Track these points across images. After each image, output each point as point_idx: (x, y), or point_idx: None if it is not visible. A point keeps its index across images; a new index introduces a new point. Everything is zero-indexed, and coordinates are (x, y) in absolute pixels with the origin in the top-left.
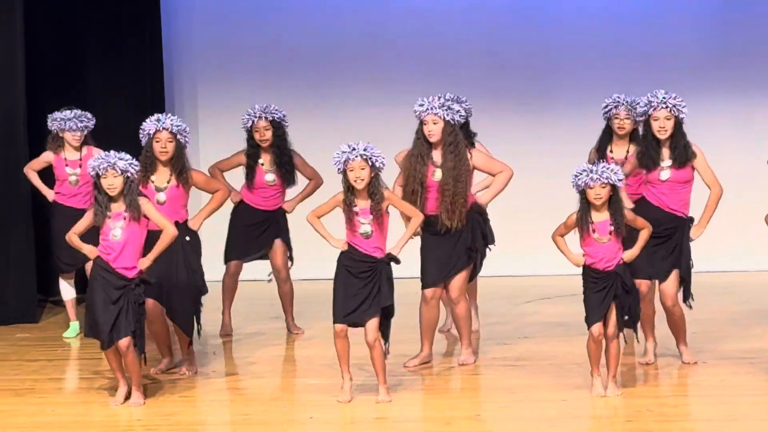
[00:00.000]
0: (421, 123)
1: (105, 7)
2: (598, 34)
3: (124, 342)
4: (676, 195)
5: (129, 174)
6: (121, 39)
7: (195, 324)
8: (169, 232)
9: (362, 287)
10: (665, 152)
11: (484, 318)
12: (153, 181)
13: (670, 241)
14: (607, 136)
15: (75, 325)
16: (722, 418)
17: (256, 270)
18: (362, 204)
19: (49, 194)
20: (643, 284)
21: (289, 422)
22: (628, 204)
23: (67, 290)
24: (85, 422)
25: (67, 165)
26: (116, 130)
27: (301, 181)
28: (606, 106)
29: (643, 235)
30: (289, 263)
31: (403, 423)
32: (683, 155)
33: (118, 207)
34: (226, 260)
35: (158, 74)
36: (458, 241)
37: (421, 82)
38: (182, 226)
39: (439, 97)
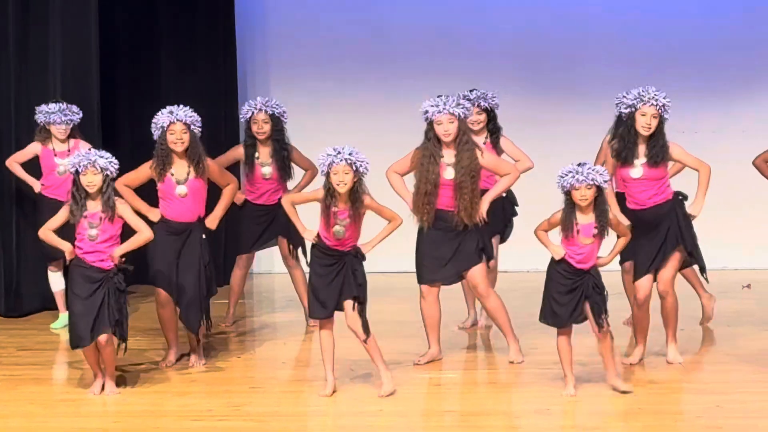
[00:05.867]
0: (432, 123)
1: None
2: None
3: (104, 338)
4: (651, 190)
5: (108, 172)
6: (195, 26)
7: (204, 320)
8: (144, 235)
9: (334, 278)
10: (641, 149)
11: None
12: (173, 174)
13: (661, 228)
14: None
15: (64, 317)
16: None
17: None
18: (342, 206)
19: (36, 185)
20: (640, 290)
21: (359, 414)
22: (614, 207)
23: (55, 282)
24: (156, 411)
25: (56, 155)
26: None
27: (298, 175)
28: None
29: (620, 243)
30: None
31: (474, 416)
32: (659, 155)
33: (95, 206)
34: (237, 252)
35: (231, 66)
36: (464, 241)
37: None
38: (201, 223)
39: (448, 96)
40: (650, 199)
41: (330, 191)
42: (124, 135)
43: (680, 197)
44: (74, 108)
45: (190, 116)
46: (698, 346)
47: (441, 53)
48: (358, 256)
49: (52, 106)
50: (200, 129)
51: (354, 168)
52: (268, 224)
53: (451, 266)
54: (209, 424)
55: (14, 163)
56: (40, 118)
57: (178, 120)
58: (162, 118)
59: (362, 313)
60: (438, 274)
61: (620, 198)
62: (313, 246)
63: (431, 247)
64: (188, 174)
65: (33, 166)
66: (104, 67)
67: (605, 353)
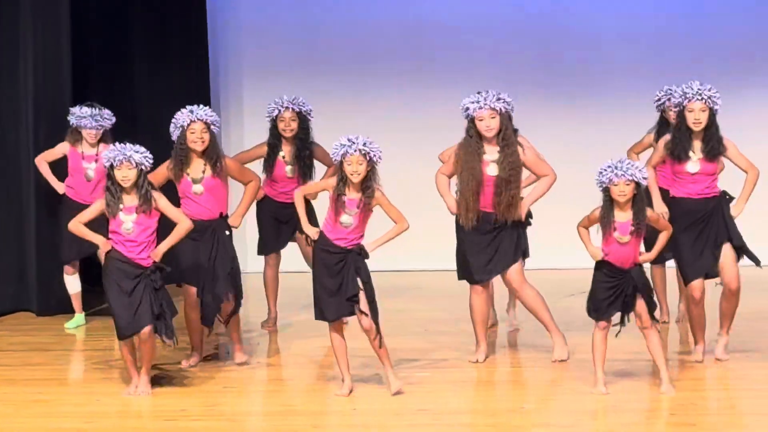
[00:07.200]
0: (473, 120)
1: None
2: (644, 25)
3: (147, 331)
4: (703, 184)
5: (143, 167)
6: (168, 30)
7: (215, 317)
8: (185, 225)
9: (339, 281)
10: (696, 144)
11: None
12: (188, 174)
13: (711, 224)
14: (665, 127)
15: (79, 317)
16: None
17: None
18: (352, 195)
19: (59, 187)
20: (696, 289)
21: (333, 413)
22: (659, 203)
23: (71, 284)
24: (129, 412)
25: (83, 159)
26: (163, 121)
27: (320, 172)
28: (659, 99)
29: (662, 238)
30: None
31: (447, 415)
32: (715, 149)
33: (131, 200)
34: (263, 253)
35: (204, 66)
36: (503, 240)
37: (464, 74)
38: (224, 220)
39: (487, 91)
40: (700, 192)
41: (343, 180)
42: None
43: (726, 197)
44: (107, 113)
45: (210, 116)
46: (673, 345)
47: (420, 52)
48: (362, 253)
49: (85, 110)
50: (219, 128)
51: (368, 158)
52: (288, 220)
53: (492, 266)
54: (183, 424)
55: (42, 162)
56: (72, 120)
57: (198, 119)
58: (182, 117)
59: (373, 311)
60: (485, 274)
61: (662, 194)
62: (316, 246)
63: (472, 251)
64: (203, 173)
65: (59, 167)
66: (76, 66)
67: (652, 351)
